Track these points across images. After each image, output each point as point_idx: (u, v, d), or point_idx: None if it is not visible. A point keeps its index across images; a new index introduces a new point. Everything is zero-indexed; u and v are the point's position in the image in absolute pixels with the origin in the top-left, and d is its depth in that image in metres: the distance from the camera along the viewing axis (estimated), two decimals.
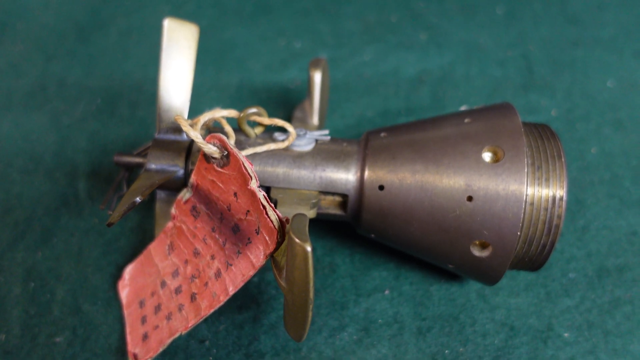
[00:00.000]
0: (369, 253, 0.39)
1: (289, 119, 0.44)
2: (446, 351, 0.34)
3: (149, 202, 0.41)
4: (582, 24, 0.55)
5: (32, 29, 0.55)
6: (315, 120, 0.39)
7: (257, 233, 0.29)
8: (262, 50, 0.53)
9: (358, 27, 0.55)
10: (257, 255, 0.29)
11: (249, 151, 0.33)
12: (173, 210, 0.34)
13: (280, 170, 0.33)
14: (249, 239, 0.29)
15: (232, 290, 0.30)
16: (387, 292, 0.37)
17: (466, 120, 0.33)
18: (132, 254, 0.39)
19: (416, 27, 0.55)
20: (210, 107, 0.40)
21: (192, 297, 0.31)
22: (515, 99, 0.49)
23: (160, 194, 0.36)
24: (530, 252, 0.32)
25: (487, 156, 0.31)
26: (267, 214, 0.28)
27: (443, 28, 0.55)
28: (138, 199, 0.30)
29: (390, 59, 0.52)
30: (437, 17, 0.56)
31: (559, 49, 0.53)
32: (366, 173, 0.33)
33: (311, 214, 0.33)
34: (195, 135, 0.30)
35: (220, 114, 0.33)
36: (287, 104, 0.48)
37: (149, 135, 0.46)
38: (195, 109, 0.39)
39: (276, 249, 0.29)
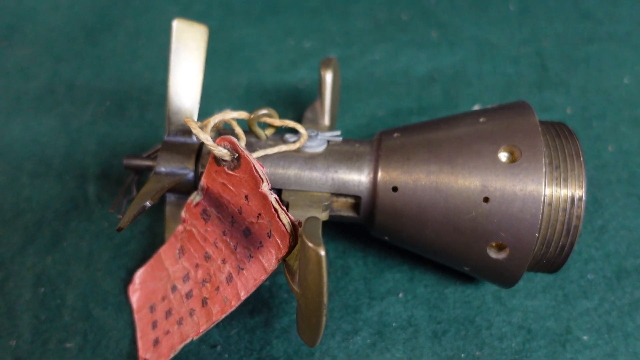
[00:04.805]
0: (382, 255, 0.38)
1: (299, 120, 0.43)
2: (462, 355, 0.34)
3: (159, 205, 0.41)
4: (597, 20, 0.54)
5: (40, 31, 0.55)
6: (326, 120, 0.39)
7: (269, 237, 0.28)
8: (271, 51, 0.53)
9: (368, 26, 0.55)
10: (269, 260, 0.29)
11: (260, 153, 0.33)
12: (183, 214, 0.33)
13: (291, 172, 0.33)
14: (260, 242, 0.29)
15: (243, 295, 0.29)
16: (401, 295, 0.36)
17: (481, 120, 0.32)
18: (142, 258, 0.38)
19: (427, 25, 0.54)
20: (220, 108, 0.39)
21: (204, 302, 0.31)
22: (529, 97, 0.48)
23: (170, 197, 0.36)
24: (548, 253, 0.31)
25: (503, 156, 0.30)
26: (279, 217, 0.28)
27: (454, 25, 0.54)
28: (148, 203, 0.30)
29: (401, 58, 0.51)
30: (448, 14, 0.55)
31: (573, 45, 0.52)
32: (379, 174, 0.32)
33: (324, 216, 0.32)
34: (205, 137, 0.30)
35: (230, 115, 0.33)
36: (297, 104, 0.48)
37: (158, 137, 0.46)
38: (204, 110, 0.38)
39: (288, 253, 0.28)
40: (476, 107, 0.47)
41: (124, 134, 0.46)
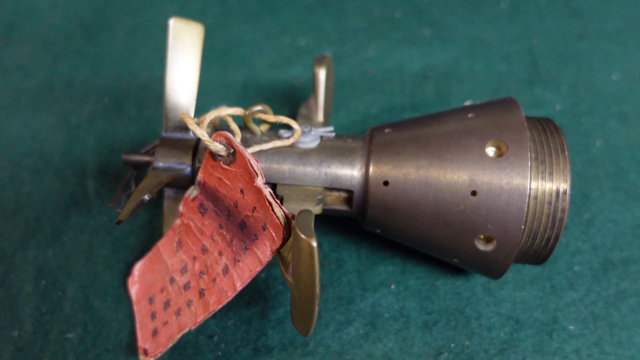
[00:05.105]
0: (375, 248, 0.39)
1: (294, 116, 0.44)
2: (452, 345, 0.35)
3: (157, 199, 0.41)
4: (587, 17, 0.55)
5: (39, 29, 0.56)
6: (320, 117, 0.39)
7: (264, 229, 0.29)
8: (266, 48, 0.53)
9: (362, 23, 0.55)
10: (263, 251, 0.29)
11: (255, 148, 0.34)
12: (181, 208, 0.34)
13: (285, 167, 0.34)
14: (255, 235, 0.30)
15: (239, 286, 0.30)
16: (393, 286, 0.37)
17: (470, 115, 0.33)
18: (141, 251, 0.39)
19: (420, 23, 0.55)
20: (216, 105, 0.40)
21: (201, 293, 0.32)
22: (520, 94, 0.49)
23: (168, 192, 0.37)
24: (534, 245, 0.32)
25: (490, 151, 0.31)
26: (273, 210, 0.29)
27: (447, 23, 0.55)
28: (146, 197, 0.31)
29: (395, 55, 0.52)
30: (441, 12, 0.56)
31: (563, 42, 0.53)
32: (371, 169, 0.33)
33: (317, 210, 0.33)
34: (202, 133, 0.30)
35: (226, 112, 0.34)
36: (292, 101, 0.49)
37: (156, 133, 0.46)
38: (201, 107, 0.39)
39: (282, 245, 0.29)
40: (467, 104, 0.48)
41: (122, 130, 0.47)
